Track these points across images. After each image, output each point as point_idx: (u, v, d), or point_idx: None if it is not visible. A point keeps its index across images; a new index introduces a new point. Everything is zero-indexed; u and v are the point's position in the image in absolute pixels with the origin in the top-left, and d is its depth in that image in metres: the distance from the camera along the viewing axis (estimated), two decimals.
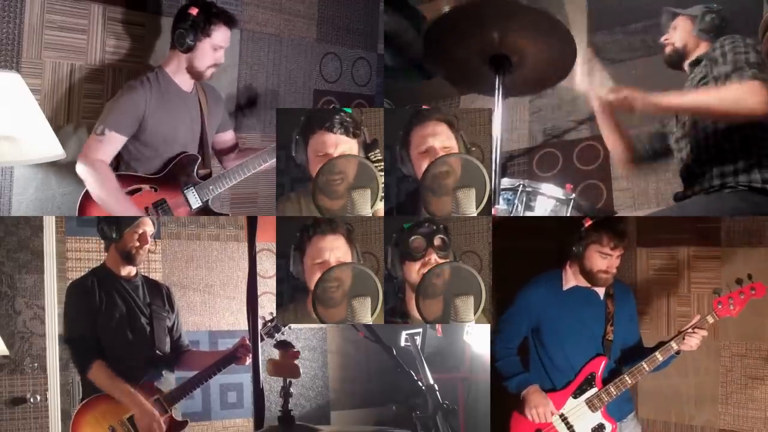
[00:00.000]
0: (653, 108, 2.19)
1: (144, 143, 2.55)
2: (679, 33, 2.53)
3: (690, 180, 2.39)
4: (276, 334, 2.14)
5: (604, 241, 1.99)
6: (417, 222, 1.61)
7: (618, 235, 2.00)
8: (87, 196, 2.46)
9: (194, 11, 2.53)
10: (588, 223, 2.03)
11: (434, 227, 1.59)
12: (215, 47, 2.59)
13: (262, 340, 2.10)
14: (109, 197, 2.41)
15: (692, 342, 1.96)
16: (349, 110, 1.65)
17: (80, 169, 2.43)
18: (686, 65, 2.53)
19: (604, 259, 2.01)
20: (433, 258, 1.59)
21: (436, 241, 1.59)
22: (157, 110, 2.54)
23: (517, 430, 2.08)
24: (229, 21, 2.61)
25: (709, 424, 2.51)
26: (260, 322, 2.13)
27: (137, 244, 2.15)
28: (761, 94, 2.06)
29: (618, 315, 2.07)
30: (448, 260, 1.61)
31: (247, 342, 2.15)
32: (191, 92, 2.71)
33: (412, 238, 1.58)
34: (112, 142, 2.45)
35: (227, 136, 2.96)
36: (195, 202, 2.62)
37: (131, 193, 2.51)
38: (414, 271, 1.60)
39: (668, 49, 2.56)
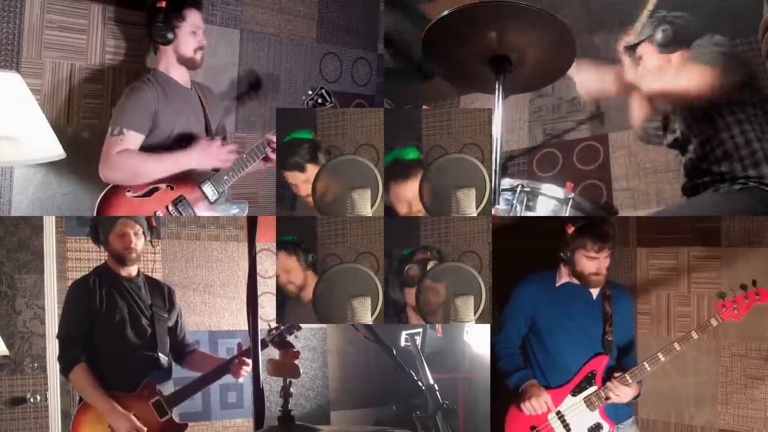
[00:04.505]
0: None
1: (157, 141, 2.55)
2: (645, 58, 2.52)
3: (696, 174, 2.39)
4: (286, 339, 2.13)
5: (588, 246, 2.01)
6: (413, 250, 1.63)
7: (601, 237, 2.00)
8: (105, 199, 2.45)
9: (162, 3, 2.58)
10: (571, 229, 2.04)
11: (428, 253, 1.62)
12: (193, 30, 2.64)
13: (266, 347, 2.09)
14: (149, 167, 2.44)
15: (620, 393, 2.00)
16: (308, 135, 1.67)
17: (106, 169, 2.42)
18: None
19: (591, 262, 2.02)
20: (429, 283, 1.62)
21: (430, 267, 1.62)
22: (166, 107, 2.57)
23: (513, 425, 2.09)
24: (195, 2, 2.67)
25: (709, 424, 2.51)
26: (266, 330, 2.14)
27: (121, 245, 2.14)
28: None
29: (616, 316, 2.07)
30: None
31: (244, 355, 2.17)
32: (190, 88, 2.73)
33: (408, 266, 1.62)
34: (131, 141, 2.46)
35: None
36: (213, 194, 2.63)
37: (148, 193, 2.50)
38: (412, 295, 1.63)
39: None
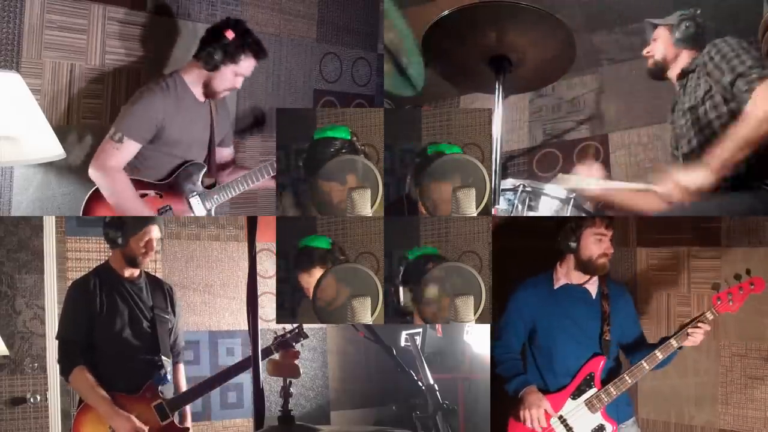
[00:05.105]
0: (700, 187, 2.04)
1: (156, 149, 2.55)
2: (659, 45, 2.51)
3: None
4: (294, 344, 2.13)
5: (598, 222, 2.04)
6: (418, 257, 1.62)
7: (607, 215, 2.10)
8: (93, 197, 2.46)
9: (230, 35, 2.51)
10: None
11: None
12: (237, 74, 2.59)
13: (271, 353, 2.09)
14: (126, 204, 2.43)
15: (696, 338, 1.96)
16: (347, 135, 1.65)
17: (94, 175, 2.43)
18: (673, 77, 2.52)
19: (600, 242, 2.04)
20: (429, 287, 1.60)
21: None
22: (174, 117, 2.54)
23: (516, 430, 2.08)
24: (260, 53, 2.61)
25: (709, 424, 2.51)
26: (271, 336, 2.14)
27: (143, 251, 2.14)
28: None
29: (614, 314, 2.07)
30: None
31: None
32: (204, 101, 2.70)
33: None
34: (129, 150, 2.45)
35: (226, 152, 2.95)
36: (199, 210, 2.62)
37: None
38: (416, 309, 1.62)
39: (650, 62, 2.54)
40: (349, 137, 1.64)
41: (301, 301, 1.66)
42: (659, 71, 2.54)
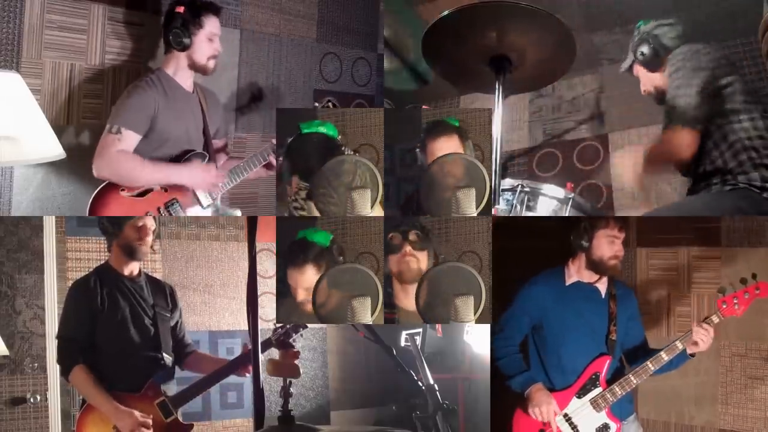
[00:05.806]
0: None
1: (153, 143, 2.56)
2: (642, 79, 2.59)
3: (692, 178, 2.40)
4: (289, 340, 2.13)
5: (611, 224, 2.05)
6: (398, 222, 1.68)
7: (620, 218, 2.11)
8: (98, 197, 2.46)
9: (181, 9, 2.59)
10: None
11: (410, 224, 1.68)
12: (210, 37, 2.64)
13: (271, 346, 2.09)
14: (142, 176, 2.47)
15: (699, 338, 1.95)
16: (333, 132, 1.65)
17: (99, 168, 2.43)
18: None
19: (612, 244, 2.04)
20: (409, 249, 1.67)
21: (411, 236, 1.67)
22: (165, 109, 2.56)
23: (520, 427, 2.08)
24: (215, 9, 2.68)
25: (709, 424, 2.51)
26: (270, 329, 2.14)
27: (137, 236, 2.13)
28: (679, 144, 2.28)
29: (620, 315, 2.08)
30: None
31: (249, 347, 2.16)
32: (192, 92, 2.72)
33: (390, 235, 1.68)
34: (128, 140, 2.46)
35: (220, 144, 2.98)
36: (206, 200, 2.64)
37: (142, 194, 2.52)
38: (394, 263, 1.68)
39: (651, 96, 2.60)
40: (336, 136, 1.65)
41: (285, 300, 1.65)
42: (660, 98, 2.56)
